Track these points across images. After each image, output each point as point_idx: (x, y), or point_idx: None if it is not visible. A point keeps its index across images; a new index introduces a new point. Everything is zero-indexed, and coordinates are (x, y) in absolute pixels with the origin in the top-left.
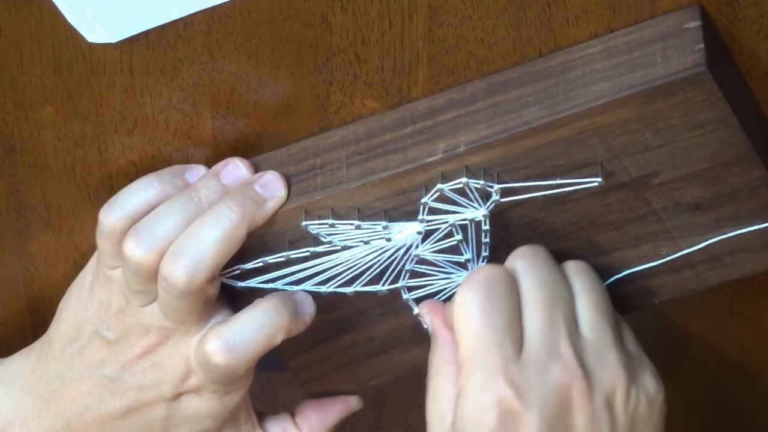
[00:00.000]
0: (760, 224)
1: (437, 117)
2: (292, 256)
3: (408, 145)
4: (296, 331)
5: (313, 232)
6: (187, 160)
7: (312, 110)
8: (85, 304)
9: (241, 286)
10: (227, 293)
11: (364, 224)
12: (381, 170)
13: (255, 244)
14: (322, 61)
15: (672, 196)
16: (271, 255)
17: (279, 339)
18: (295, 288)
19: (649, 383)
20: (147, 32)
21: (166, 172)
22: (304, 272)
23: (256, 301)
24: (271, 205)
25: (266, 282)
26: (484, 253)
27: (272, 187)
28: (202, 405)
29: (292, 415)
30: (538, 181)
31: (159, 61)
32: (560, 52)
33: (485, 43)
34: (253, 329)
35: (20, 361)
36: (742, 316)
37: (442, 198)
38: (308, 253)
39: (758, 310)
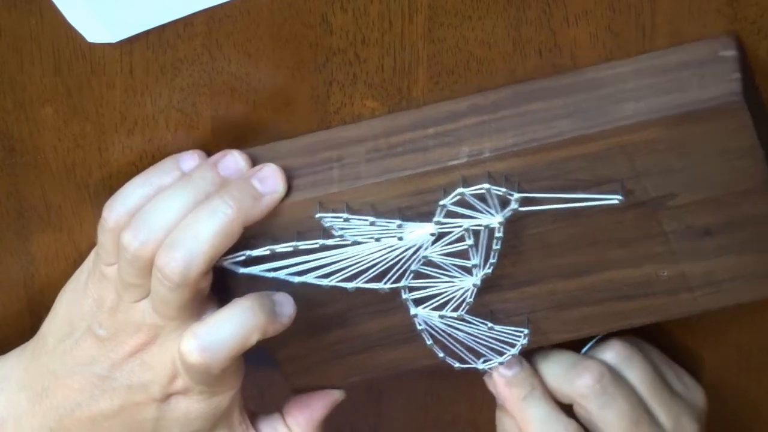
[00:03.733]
0: (765, 253)
1: (460, 121)
2: (301, 247)
3: (429, 146)
4: (273, 331)
5: (326, 224)
6: None
7: (312, 110)
8: (79, 301)
9: (242, 273)
10: (220, 291)
11: (379, 221)
12: (402, 169)
13: (263, 231)
14: (322, 61)
15: (684, 219)
16: (279, 243)
17: (254, 339)
18: (297, 279)
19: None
20: (147, 32)
21: (164, 165)
22: (309, 264)
23: (234, 300)
24: (269, 200)
25: (268, 270)
26: (492, 260)
27: (270, 181)
28: (190, 407)
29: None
30: (558, 193)
31: (159, 61)
32: (590, 68)
33: (485, 43)
34: (227, 329)
35: (14, 359)
36: (741, 319)
37: (460, 202)
38: (317, 245)
39: (757, 313)
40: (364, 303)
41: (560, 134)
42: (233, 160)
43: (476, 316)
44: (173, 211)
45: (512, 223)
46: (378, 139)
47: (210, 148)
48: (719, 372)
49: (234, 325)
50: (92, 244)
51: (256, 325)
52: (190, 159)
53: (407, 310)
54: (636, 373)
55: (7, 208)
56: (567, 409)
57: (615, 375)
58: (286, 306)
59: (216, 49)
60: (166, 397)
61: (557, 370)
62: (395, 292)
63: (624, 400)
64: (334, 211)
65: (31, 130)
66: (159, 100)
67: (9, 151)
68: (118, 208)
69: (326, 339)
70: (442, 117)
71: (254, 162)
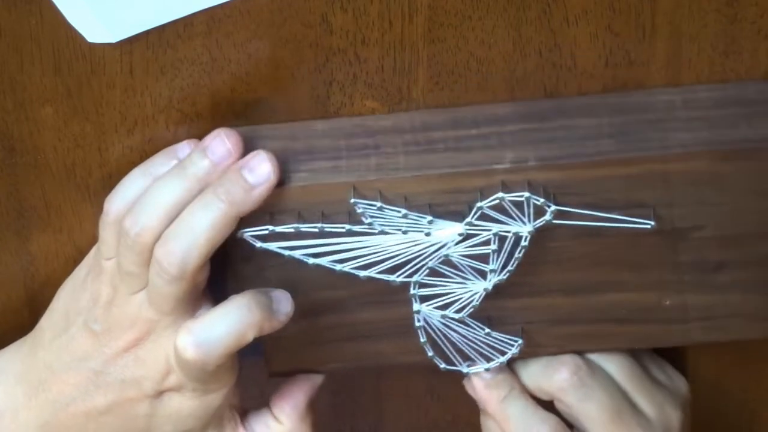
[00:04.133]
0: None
1: (505, 126)
2: (326, 229)
3: (472, 146)
4: (269, 329)
5: (358, 210)
6: None
7: (312, 110)
8: (77, 296)
9: (259, 247)
10: (215, 287)
11: (411, 214)
12: (443, 165)
13: (288, 207)
14: (322, 61)
15: (701, 252)
16: (304, 222)
17: (250, 336)
18: (312, 261)
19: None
20: (147, 32)
21: (160, 156)
22: (327, 247)
23: (231, 296)
24: (260, 190)
25: (285, 248)
26: (510, 268)
27: (260, 171)
28: (183, 404)
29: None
30: (589, 209)
31: (159, 61)
32: (639, 91)
33: (485, 43)
34: (223, 325)
35: (12, 352)
36: None
37: (495, 206)
38: (344, 230)
39: None
40: (365, 292)
41: (606, 153)
42: (221, 143)
43: (473, 320)
44: (169, 196)
45: (535, 234)
46: (417, 133)
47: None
48: (719, 372)
49: (230, 321)
50: (92, 243)
51: (251, 322)
52: (187, 148)
53: (407, 304)
54: (614, 365)
55: (7, 208)
56: (548, 407)
57: (592, 367)
58: (284, 303)
59: (216, 49)
60: (159, 393)
61: (534, 368)
62: (403, 286)
63: (603, 392)
64: (365, 197)
65: (31, 130)
66: (159, 100)
67: (9, 151)
68: (118, 200)
69: (318, 323)
70: (485, 119)
71: (290, 136)
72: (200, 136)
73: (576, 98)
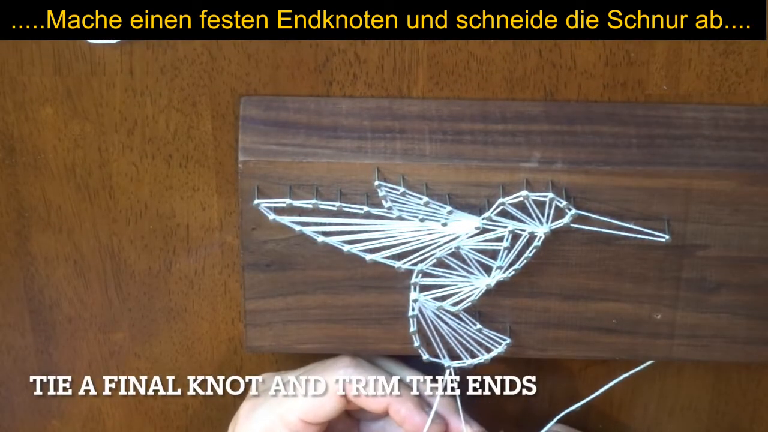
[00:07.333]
0: (760, 320)
1: (532, 125)
2: (344, 209)
3: (499, 141)
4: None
5: (380, 193)
6: (187, 161)
7: None
8: None
9: (273, 220)
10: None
11: (433, 203)
12: (470, 158)
13: (308, 183)
14: (322, 61)
15: (703, 270)
16: (323, 198)
17: None
18: (321, 239)
19: None
20: None
21: None
22: (339, 227)
23: None
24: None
25: (297, 223)
26: (517, 266)
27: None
28: None
29: None
30: (606, 217)
31: (159, 61)
32: (665, 105)
33: (485, 43)
34: None
35: None
36: None
37: (516, 203)
38: (362, 211)
39: None
40: (364, 276)
41: (634, 164)
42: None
43: (466, 315)
44: None
45: (548, 236)
46: (443, 122)
47: (209, 148)
48: (719, 372)
49: None
50: (92, 244)
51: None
52: None
53: (404, 292)
54: None
55: (7, 208)
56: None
57: None
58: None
59: (216, 49)
60: None
61: None
62: (404, 274)
63: None
64: (387, 180)
65: (31, 130)
66: (159, 100)
67: (9, 151)
68: None
69: (306, 301)
70: (513, 116)
71: (315, 111)
72: (199, 136)
73: (605, 105)
